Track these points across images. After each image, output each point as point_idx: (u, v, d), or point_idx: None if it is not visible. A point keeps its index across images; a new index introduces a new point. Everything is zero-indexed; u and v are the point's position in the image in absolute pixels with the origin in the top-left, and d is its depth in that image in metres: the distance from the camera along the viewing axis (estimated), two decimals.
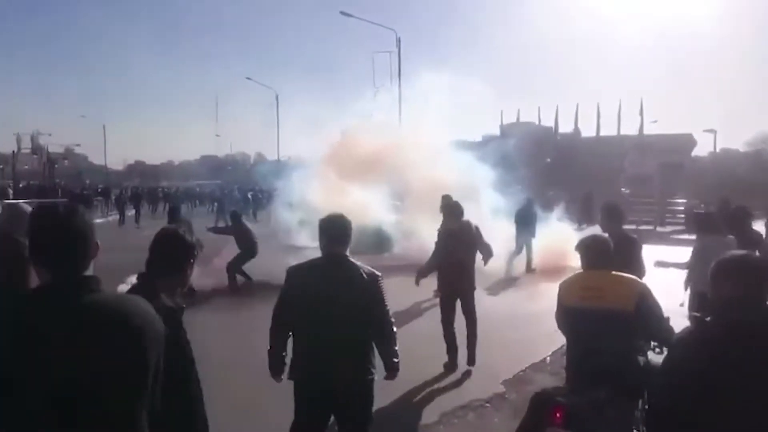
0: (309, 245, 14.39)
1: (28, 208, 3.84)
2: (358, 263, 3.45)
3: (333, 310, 3.29)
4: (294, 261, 3.79)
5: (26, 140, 60.60)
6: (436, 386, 6.10)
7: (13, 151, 51.55)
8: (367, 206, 11.09)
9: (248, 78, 45.74)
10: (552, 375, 6.09)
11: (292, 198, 15.28)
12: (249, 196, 31.41)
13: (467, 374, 6.40)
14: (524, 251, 13.17)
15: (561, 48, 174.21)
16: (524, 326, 8.22)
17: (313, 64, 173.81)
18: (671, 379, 2.55)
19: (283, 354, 3.54)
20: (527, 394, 5.55)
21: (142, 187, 47.97)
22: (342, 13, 30.84)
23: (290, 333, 3.50)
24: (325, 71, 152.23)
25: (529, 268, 12.98)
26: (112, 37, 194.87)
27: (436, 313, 7.16)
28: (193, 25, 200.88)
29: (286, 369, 3.54)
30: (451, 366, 6.40)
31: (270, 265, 9.77)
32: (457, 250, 6.39)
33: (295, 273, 3.51)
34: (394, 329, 3.51)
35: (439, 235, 6.67)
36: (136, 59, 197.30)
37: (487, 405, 5.52)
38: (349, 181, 14.42)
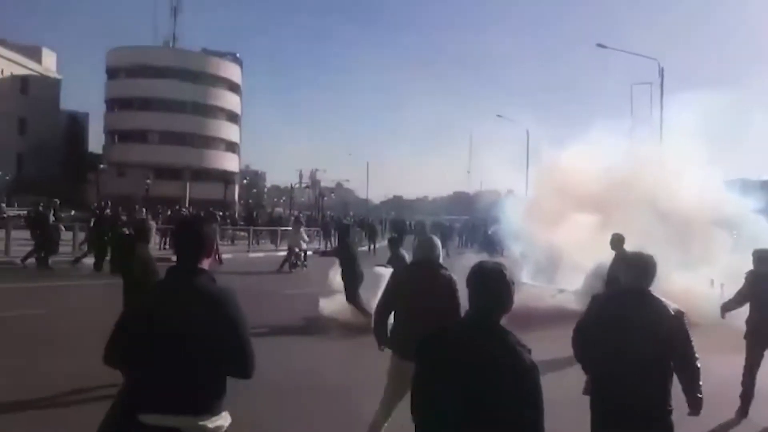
0: (528, 282, 13.48)
1: (437, 242, 4.80)
2: (663, 299, 3.42)
3: (634, 342, 3.29)
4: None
5: (306, 176, 69.82)
6: None
7: (291, 185, 59.54)
8: (600, 242, 10.05)
9: (499, 115, 46.44)
10: None
11: (518, 233, 14.65)
12: (489, 232, 31.20)
13: None
14: None
15: None
16: None
17: (566, 97, 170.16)
18: None
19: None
20: None
21: (399, 218, 51.33)
22: (598, 45, 29.52)
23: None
24: (578, 104, 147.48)
25: None
26: (378, 85, 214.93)
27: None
28: (448, 67, 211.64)
29: None
30: (742, 413, 6.18)
31: None
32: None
33: (597, 304, 3.61)
34: (699, 365, 3.45)
35: (746, 278, 6.54)
36: (399, 102, 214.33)
37: None
38: (586, 214, 13.31)
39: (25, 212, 28.61)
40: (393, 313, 4.68)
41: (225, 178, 63.80)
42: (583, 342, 3.62)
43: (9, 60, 59.67)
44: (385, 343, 4.69)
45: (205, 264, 2.69)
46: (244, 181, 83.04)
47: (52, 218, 17.02)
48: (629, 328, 3.32)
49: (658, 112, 26.25)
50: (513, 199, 18.13)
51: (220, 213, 33.94)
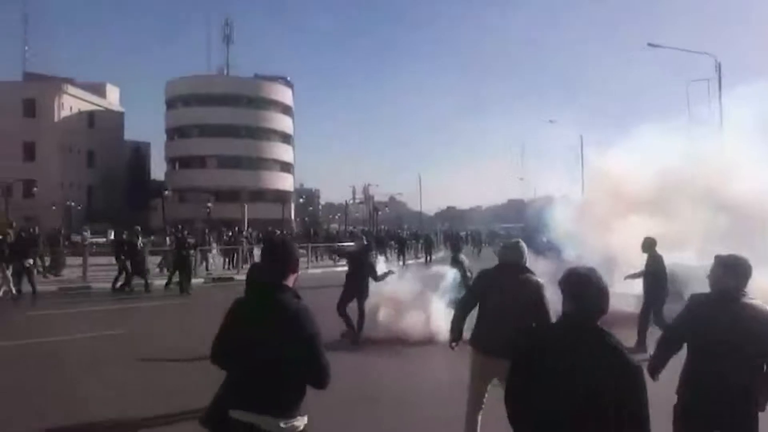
0: None
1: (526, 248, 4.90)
2: (759, 303, 3.43)
3: (735, 343, 3.32)
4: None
5: (359, 191, 70.79)
6: None
7: (345, 201, 60.43)
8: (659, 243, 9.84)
9: (551, 120, 45.94)
10: None
11: (571, 238, 14.41)
12: (544, 239, 30.78)
13: None
14: None
15: None
16: None
17: (619, 99, 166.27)
18: None
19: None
20: None
21: (451, 230, 51.53)
22: (649, 44, 28.88)
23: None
24: (631, 106, 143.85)
25: None
26: (427, 96, 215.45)
27: None
28: (497, 74, 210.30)
29: None
30: None
31: None
32: None
33: (696, 304, 3.66)
34: None
35: None
36: (450, 112, 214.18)
37: None
38: (642, 216, 13.01)
39: (100, 240, 30.25)
40: (477, 311, 4.82)
41: (281, 197, 65.33)
42: (677, 343, 3.70)
43: (76, 97, 63.27)
44: (458, 339, 4.84)
45: (291, 280, 2.99)
46: (300, 200, 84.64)
47: (140, 244, 18.05)
48: (731, 329, 3.35)
49: (717, 108, 25.43)
50: (564, 205, 17.93)
51: (278, 232, 34.82)
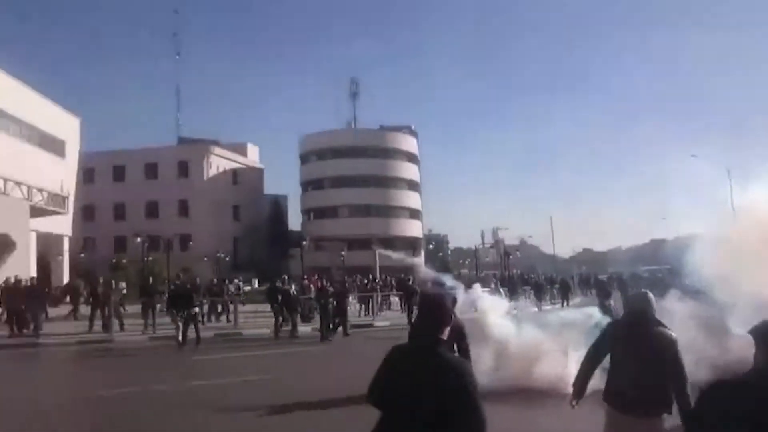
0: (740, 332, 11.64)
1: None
2: None
3: None
4: None
5: (488, 235, 70.12)
6: None
7: (475, 246, 60.03)
8: None
9: (693, 155, 43.03)
10: None
11: (716, 280, 13.07)
12: (686, 282, 28.45)
13: None
14: None
15: None
16: None
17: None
18: None
19: None
20: None
21: (588, 273, 49.33)
22: None
23: None
24: None
25: None
26: (551, 134, 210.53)
27: None
28: (634, 109, 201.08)
29: None
30: None
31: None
32: None
33: None
34: None
35: None
36: (584, 150, 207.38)
37: None
38: None
39: (246, 288, 32.40)
40: (607, 365, 4.59)
41: (411, 244, 66.37)
42: None
43: (222, 157, 69.33)
44: (581, 396, 4.56)
45: (446, 333, 3.10)
46: (430, 246, 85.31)
47: (293, 291, 19.33)
48: None
49: None
50: (709, 244, 16.61)
51: (410, 278, 35.23)
